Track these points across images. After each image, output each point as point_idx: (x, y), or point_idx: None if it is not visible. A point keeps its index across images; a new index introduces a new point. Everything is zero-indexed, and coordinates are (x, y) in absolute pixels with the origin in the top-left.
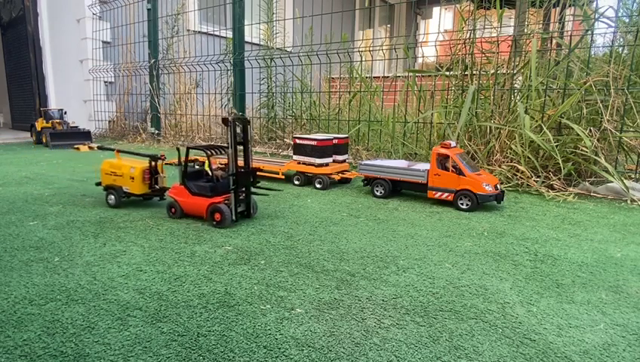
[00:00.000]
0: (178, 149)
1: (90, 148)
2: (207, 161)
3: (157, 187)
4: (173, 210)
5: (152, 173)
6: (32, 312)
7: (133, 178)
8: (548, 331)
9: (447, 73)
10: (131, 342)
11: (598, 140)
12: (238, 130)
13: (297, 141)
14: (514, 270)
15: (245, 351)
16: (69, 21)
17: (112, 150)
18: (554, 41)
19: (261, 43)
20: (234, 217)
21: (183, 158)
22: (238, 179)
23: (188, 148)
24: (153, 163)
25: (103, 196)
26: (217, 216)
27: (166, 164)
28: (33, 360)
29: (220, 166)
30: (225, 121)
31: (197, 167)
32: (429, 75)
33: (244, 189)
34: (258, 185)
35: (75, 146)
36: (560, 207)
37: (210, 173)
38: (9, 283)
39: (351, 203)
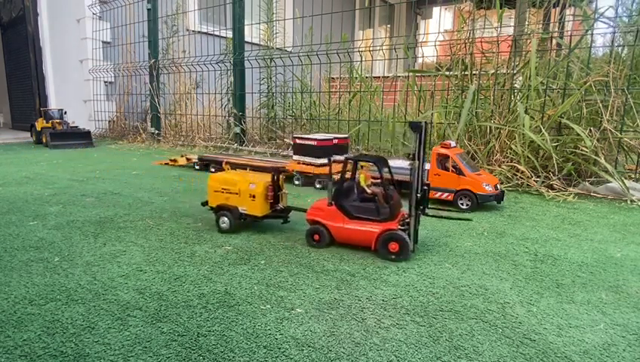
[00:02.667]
0: (329, 160)
1: (188, 160)
2: (361, 176)
3: (280, 206)
4: (317, 236)
5: (275, 190)
6: (32, 312)
7: (254, 196)
8: (548, 331)
9: (447, 73)
10: (131, 342)
11: (598, 140)
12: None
13: (297, 141)
14: (514, 270)
15: (245, 351)
16: (69, 21)
17: (219, 163)
18: (554, 41)
19: (261, 43)
20: (412, 247)
21: (333, 169)
22: (422, 199)
23: (346, 159)
24: (275, 176)
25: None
26: (394, 246)
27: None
28: (33, 360)
29: (373, 181)
30: (414, 125)
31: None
32: (429, 75)
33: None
34: (430, 207)
35: (172, 159)
36: (560, 207)
37: (365, 190)
38: (9, 283)
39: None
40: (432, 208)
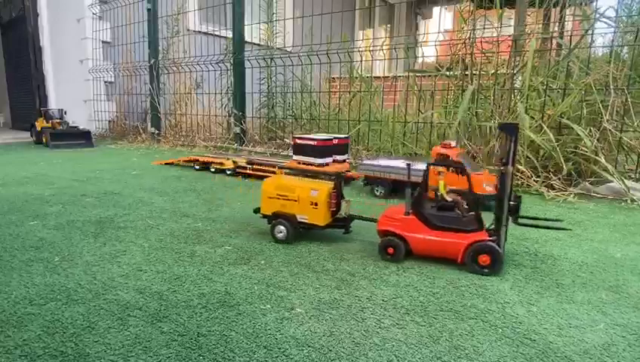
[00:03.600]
0: (428, 165)
1: (234, 163)
2: (441, 183)
3: (343, 214)
4: (391, 250)
5: (339, 197)
6: (32, 312)
7: (316, 204)
8: (548, 331)
9: (448, 73)
10: (131, 342)
11: (598, 140)
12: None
13: (297, 141)
14: (514, 270)
15: (245, 351)
16: (69, 21)
17: (268, 166)
18: (554, 41)
19: (261, 43)
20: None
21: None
22: (516, 207)
23: (428, 166)
24: (338, 183)
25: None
26: (485, 259)
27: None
28: (33, 360)
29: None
30: (507, 127)
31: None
32: (429, 75)
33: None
34: (523, 217)
35: (218, 161)
36: (560, 207)
37: (445, 198)
38: (9, 283)
39: (351, 203)
40: (525, 217)
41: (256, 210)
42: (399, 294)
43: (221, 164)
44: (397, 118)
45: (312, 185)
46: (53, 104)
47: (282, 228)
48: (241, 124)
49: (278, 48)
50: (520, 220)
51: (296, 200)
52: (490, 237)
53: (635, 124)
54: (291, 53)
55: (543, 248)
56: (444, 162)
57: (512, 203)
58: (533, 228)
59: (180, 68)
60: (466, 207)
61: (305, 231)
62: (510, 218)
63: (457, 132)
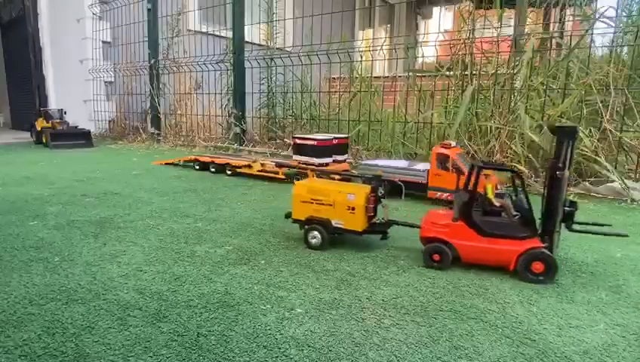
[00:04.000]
0: (472, 167)
1: (262, 165)
2: (489, 186)
3: (381, 220)
4: (438, 256)
5: (377, 201)
6: (32, 312)
7: (353, 208)
8: (548, 331)
9: (448, 73)
10: (131, 342)
11: (598, 140)
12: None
13: (297, 141)
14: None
15: (245, 351)
16: (69, 21)
17: (303, 168)
18: (554, 41)
19: (261, 43)
20: None
21: (462, 179)
22: (571, 213)
23: (479, 168)
24: (376, 186)
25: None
26: (539, 266)
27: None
28: (33, 360)
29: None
30: (565, 131)
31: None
32: (429, 75)
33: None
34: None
35: (245, 164)
36: None
37: (492, 202)
38: (9, 283)
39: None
40: (582, 223)
41: (288, 215)
42: (399, 294)
43: (249, 167)
44: (397, 118)
45: (349, 189)
46: (53, 104)
47: (317, 233)
48: (241, 124)
49: (278, 48)
50: (574, 226)
51: (331, 205)
52: (542, 243)
53: (635, 124)
54: (291, 53)
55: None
56: (494, 165)
57: (567, 208)
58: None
59: (180, 68)
60: (514, 212)
61: (339, 237)
62: (564, 224)
63: (457, 132)
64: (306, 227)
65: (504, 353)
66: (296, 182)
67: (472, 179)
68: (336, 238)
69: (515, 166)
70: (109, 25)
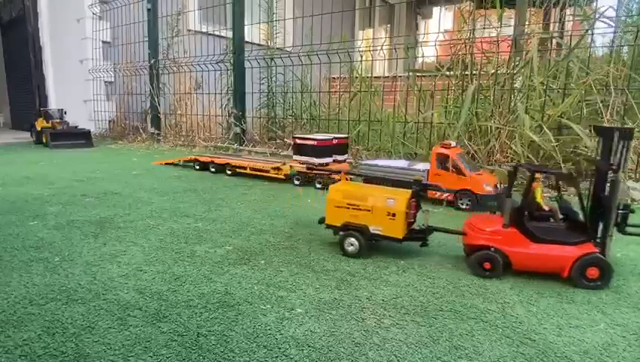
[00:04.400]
0: (514, 172)
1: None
2: (537, 190)
3: (422, 226)
4: (489, 264)
5: (417, 207)
6: (32, 312)
7: (393, 214)
8: (548, 331)
9: (448, 73)
10: (131, 342)
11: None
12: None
13: (297, 141)
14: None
15: (245, 351)
16: (69, 21)
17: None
18: (554, 41)
19: (261, 43)
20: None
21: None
22: (625, 216)
23: (533, 172)
24: (417, 191)
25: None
26: (594, 272)
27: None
28: (33, 360)
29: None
30: (625, 132)
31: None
32: (429, 75)
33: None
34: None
35: (274, 167)
36: None
37: (541, 207)
38: (9, 283)
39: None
40: (632, 226)
41: (321, 221)
42: (399, 294)
43: (277, 170)
44: (397, 118)
45: (388, 194)
46: (53, 104)
47: (354, 240)
48: (241, 124)
49: (278, 48)
50: (628, 229)
51: (369, 210)
52: (596, 248)
53: (635, 123)
54: (291, 53)
55: None
56: (545, 169)
57: (621, 211)
58: None
59: (180, 68)
60: (561, 216)
61: (375, 245)
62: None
63: (459, 134)
64: (342, 233)
65: (504, 353)
66: (330, 186)
67: (525, 183)
68: (372, 245)
69: (570, 168)
70: (109, 25)
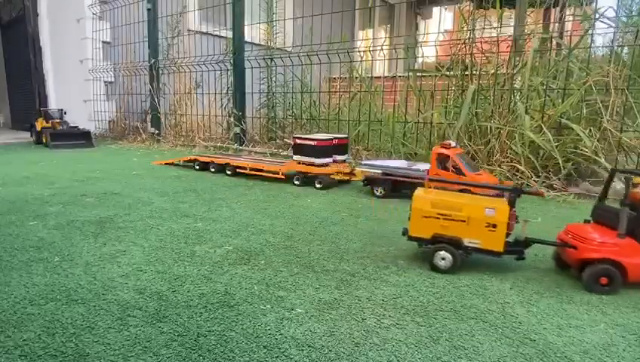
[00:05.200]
0: (611, 176)
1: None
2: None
3: (517, 237)
4: (605, 280)
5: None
6: (32, 312)
7: (494, 226)
8: (548, 331)
9: (448, 73)
10: (131, 342)
11: (598, 140)
12: None
13: (297, 141)
14: (514, 270)
15: (245, 351)
16: (69, 21)
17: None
18: (554, 41)
19: (261, 43)
20: None
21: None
22: None
23: (612, 172)
24: (514, 199)
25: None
26: None
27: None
28: (33, 360)
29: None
30: None
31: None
32: (429, 75)
33: None
34: None
35: (346, 172)
36: (560, 207)
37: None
38: (9, 283)
39: (351, 203)
40: None
41: (404, 232)
42: (399, 294)
43: (351, 174)
44: (397, 118)
45: (485, 203)
46: (53, 104)
47: (447, 254)
48: (241, 124)
49: (278, 48)
50: None
51: (464, 221)
52: None
53: (635, 123)
54: (291, 53)
55: (543, 248)
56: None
57: None
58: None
59: (180, 68)
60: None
61: (467, 259)
62: None
63: (457, 133)
64: (433, 246)
65: (504, 353)
66: (415, 194)
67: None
68: (466, 259)
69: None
70: (109, 25)
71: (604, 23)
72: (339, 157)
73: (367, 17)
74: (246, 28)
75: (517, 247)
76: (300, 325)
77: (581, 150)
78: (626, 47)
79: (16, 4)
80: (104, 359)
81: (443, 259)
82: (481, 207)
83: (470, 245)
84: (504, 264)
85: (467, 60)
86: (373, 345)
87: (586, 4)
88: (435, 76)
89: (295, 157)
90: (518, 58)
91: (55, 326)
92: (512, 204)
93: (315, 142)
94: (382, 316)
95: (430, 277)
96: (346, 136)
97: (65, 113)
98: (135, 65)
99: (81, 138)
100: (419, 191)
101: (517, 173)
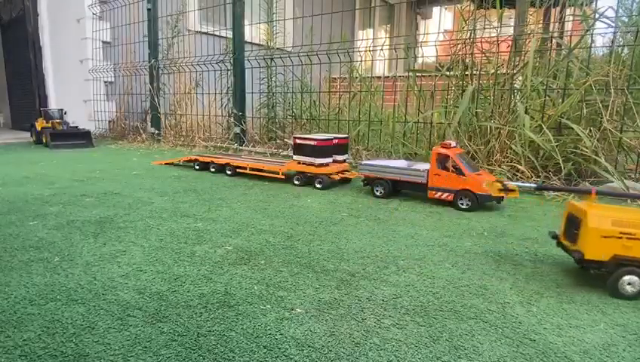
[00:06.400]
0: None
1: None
2: None
3: None
4: None
5: None
6: (32, 312)
7: None
8: (548, 331)
9: (448, 73)
10: (131, 342)
11: (598, 140)
12: None
13: (297, 141)
14: (514, 270)
15: (245, 351)
16: (69, 21)
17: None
18: (554, 41)
19: (261, 43)
20: None
21: None
22: None
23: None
24: None
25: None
26: None
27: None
28: (33, 360)
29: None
30: None
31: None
32: (430, 75)
33: None
34: None
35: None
36: (560, 207)
37: None
38: (9, 283)
39: (351, 203)
40: None
41: (554, 236)
42: (399, 294)
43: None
44: (397, 118)
45: None
46: (53, 104)
47: (636, 279)
48: (241, 124)
49: (278, 48)
50: None
51: None
52: None
53: (635, 124)
54: (291, 53)
55: (543, 248)
56: None
57: None
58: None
59: (180, 68)
60: None
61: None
62: None
63: (457, 132)
64: (604, 270)
65: (504, 353)
66: (590, 212)
67: None
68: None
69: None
70: (109, 25)
71: (604, 23)
72: (339, 157)
73: (367, 17)
74: (246, 28)
75: None
76: (300, 325)
77: (581, 150)
78: (626, 47)
79: (16, 4)
80: (104, 359)
81: (630, 283)
82: None
83: None
84: (504, 264)
85: (467, 60)
86: (373, 345)
87: (586, 5)
88: (435, 76)
89: (295, 157)
90: (518, 58)
91: (55, 326)
92: None
93: (315, 142)
94: (382, 316)
95: (430, 277)
96: (346, 136)
97: (65, 113)
98: (135, 65)
99: (81, 138)
100: (589, 208)
101: (517, 173)
